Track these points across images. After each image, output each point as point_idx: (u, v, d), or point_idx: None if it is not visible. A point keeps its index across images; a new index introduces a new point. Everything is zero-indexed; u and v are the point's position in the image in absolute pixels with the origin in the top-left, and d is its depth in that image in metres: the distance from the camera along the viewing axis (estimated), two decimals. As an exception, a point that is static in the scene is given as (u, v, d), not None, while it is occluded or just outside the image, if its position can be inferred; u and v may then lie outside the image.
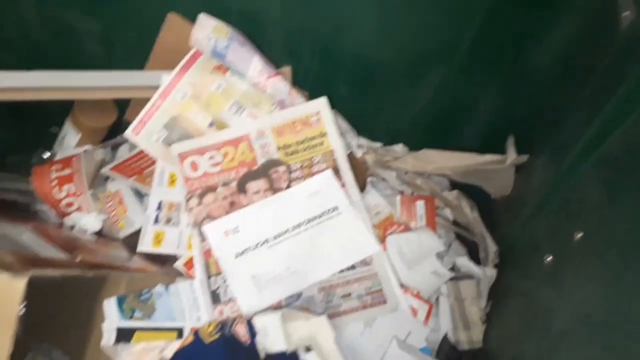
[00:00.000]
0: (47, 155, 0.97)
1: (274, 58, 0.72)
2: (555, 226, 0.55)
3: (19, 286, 0.49)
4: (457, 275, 0.74)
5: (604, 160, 0.47)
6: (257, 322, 0.54)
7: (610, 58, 0.48)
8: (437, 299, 0.73)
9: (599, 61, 0.50)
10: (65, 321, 0.73)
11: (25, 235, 0.59)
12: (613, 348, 0.41)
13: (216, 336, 0.55)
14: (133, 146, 0.86)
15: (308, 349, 0.53)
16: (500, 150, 0.69)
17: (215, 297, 0.66)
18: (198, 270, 0.68)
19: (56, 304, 0.65)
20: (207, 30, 0.67)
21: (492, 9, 0.57)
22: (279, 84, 0.71)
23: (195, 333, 0.57)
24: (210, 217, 0.70)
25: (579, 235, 0.49)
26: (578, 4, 0.53)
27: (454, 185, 0.80)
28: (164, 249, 0.71)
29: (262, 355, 0.53)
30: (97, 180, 0.83)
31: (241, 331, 0.54)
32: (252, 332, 0.54)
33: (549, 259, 0.55)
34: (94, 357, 0.77)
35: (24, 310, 0.51)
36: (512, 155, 0.66)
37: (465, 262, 0.73)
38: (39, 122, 0.94)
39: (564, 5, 0.53)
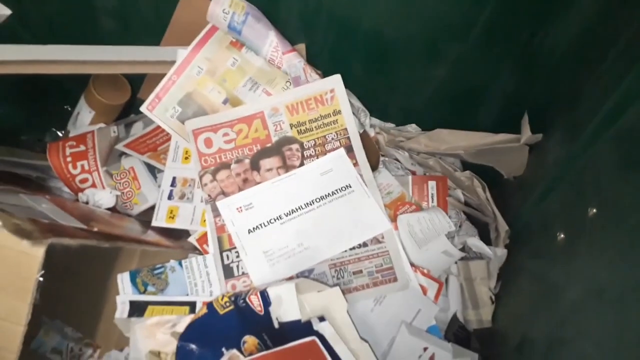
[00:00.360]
0: (60, 133, 0.98)
1: (289, 35, 0.72)
2: (567, 204, 0.55)
3: (38, 253, 0.50)
4: (468, 255, 0.74)
5: (620, 135, 0.47)
6: (271, 292, 0.55)
7: (631, 31, 0.48)
8: (447, 278, 0.73)
9: (617, 36, 0.50)
10: (77, 299, 0.74)
11: (44, 205, 0.59)
12: (625, 323, 0.41)
13: (230, 307, 0.56)
14: (147, 124, 0.87)
15: (322, 319, 0.53)
16: (514, 130, 0.69)
17: (228, 272, 0.67)
18: (211, 245, 0.68)
19: (68, 281, 0.66)
20: (224, 5, 0.68)
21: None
22: (293, 60, 0.71)
23: (209, 305, 0.58)
24: (223, 194, 0.70)
25: (593, 211, 0.49)
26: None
27: (466, 166, 0.80)
28: (177, 224, 0.72)
29: (275, 324, 0.53)
30: (111, 157, 0.84)
31: (255, 301, 0.55)
32: (266, 302, 0.54)
33: (561, 236, 0.55)
34: (106, 334, 0.78)
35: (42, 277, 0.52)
36: (526, 134, 0.66)
37: (476, 242, 0.73)
38: (52, 100, 0.95)
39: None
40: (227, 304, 0.56)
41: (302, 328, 0.52)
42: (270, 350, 0.50)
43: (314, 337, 0.51)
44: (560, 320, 0.51)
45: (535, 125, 0.67)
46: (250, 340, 0.54)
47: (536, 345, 0.55)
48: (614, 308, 0.43)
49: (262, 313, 0.54)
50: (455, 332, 0.71)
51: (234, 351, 0.51)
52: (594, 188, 0.50)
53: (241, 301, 0.55)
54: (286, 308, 0.54)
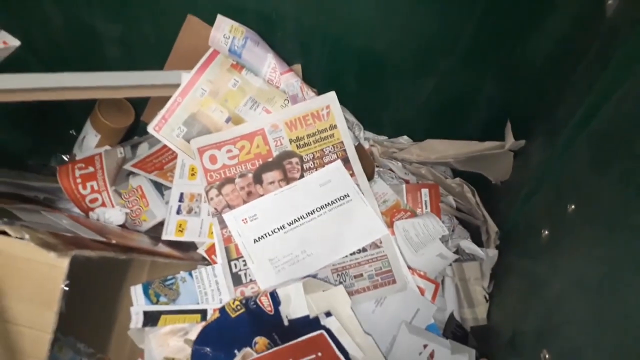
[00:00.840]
0: (65, 158, 1.02)
1: (285, 56, 0.77)
2: (550, 202, 0.60)
3: (63, 264, 0.54)
4: (461, 257, 0.78)
5: (594, 136, 0.52)
6: (281, 292, 0.59)
7: (598, 43, 0.53)
8: (443, 279, 0.77)
9: (588, 47, 0.55)
10: (89, 314, 0.77)
11: (65, 221, 0.63)
12: (603, 309, 0.45)
13: (241, 310, 0.60)
14: (152, 144, 0.91)
15: (328, 314, 0.57)
16: (500, 138, 0.74)
17: (236, 279, 0.70)
18: (219, 255, 0.72)
19: (81, 297, 0.69)
20: (224, 30, 0.73)
21: (487, 3, 0.62)
22: (291, 80, 0.76)
23: (222, 309, 0.61)
24: (229, 206, 0.74)
25: (572, 207, 0.53)
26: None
27: (456, 173, 0.85)
28: (186, 237, 0.76)
29: (285, 321, 0.57)
30: (119, 177, 0.88)
31: (265, 302, 0.59)
32: (276, 302, 0.58)
33: (545, 233, 0.59)
34: (117, 347, 0.81)
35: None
36: (510, 140, 0.71)
37: (468, 245, 0.77)
38: (58, 126, 0.98)
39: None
40: (239, 307, 0.60)
41: (310, 323, 0.56)
42: (281, 345, 0.54)
43: (321, 331, 0.54)
44: (547, 311, 0.55)
45: (519, 132, 0.72)
46: (261, 341, 0.58)
47: (527, 336, 0.59)
48: (594, 296, 0.47)
49: (272, 313, 0.58)
50: (453, 330, 0.74)
51: (247, 349, 0.54)
52: (572, 186, 0.55)
53: (252, 303, 0.59)
54: (295, 305, 0.57)
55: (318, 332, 0.54)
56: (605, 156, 0.49)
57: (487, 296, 0.76)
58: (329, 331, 0.55)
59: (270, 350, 0.54)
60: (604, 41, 0.53)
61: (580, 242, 0.51)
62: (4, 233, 0.54)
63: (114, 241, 0.62)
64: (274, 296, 0.59)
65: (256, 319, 0.58)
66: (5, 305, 0.56)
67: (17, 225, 0.55)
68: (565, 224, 0.55)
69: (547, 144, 0.64)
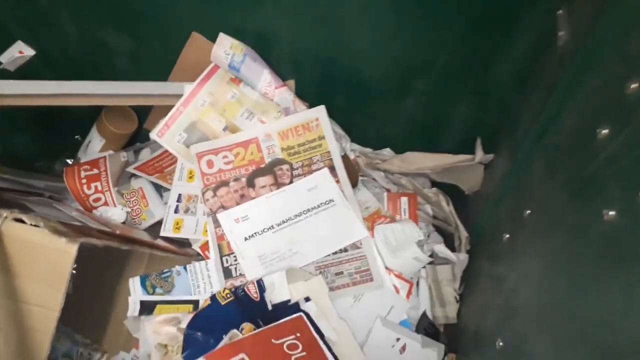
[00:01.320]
0: (70, 161, 1.09)
1: (280, 72, 0.85)
2: (511, 209, 0.67)
3: (72, 250, 0.60)
4: (435, 261, 0.85)
5: (545, 149, 0.59)
6: (266, 280, 0.65)
7: (550, 69, 0.61)
8: (418, 281, 0.84)
9: (542, 72, 0.63)
10: (87, 307, 0.83)
11: (74, 213, 0.70)
12: (545, 300, 0.51)
13: (231, 298, 0.66)
14: (154, 149, 0.98)
15: (307, 299, 0.63)
16: (472, 151, 0.82)
17: (227, 273, 0.77)
18: (212, 251, 0.79)
19: (80, 290, 0.75)
20: (225, 47, 0.80)
21: (459, 34, 0.70)
22: (284, 94, 0.84)
23: (213, 296, 0.68)
24: (223, 207, 0.81)
25: (527, 211, 0.60)
26: (527, 26, 0.65)
27: (435, 184, 0.92)
28: (183, 234, 0.83)
29: (269, 306, 0.64)
30: (122, 179, 0.95)
31: (252, 289, 0.65)
32: (262, 289, 0.65)
33: (507, 236, 0.66)
34: (113, 338, 0.87)
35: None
36: (480, 154, 0.78)
37: (442, 249, 0.84)
38: (64, 131, 1.05)
39: (515, 27, 0.66)
40: (228, 295, 0.66)
41: (291, 308, 0.63)
42: (264, 327, 0.60)
43: (301, 314, 0.61)
44: (503, 304, 0.62)
45: (488, 147, 0.79)
46: (247, 327, 0.64)
47: (486, 329, 0.65)
48: (537, 286, 0.54)
49: (258, 299, 0.64)
50: (426, 328, 0.81)
51: (234, 331, 0.60)
52: (529, 193, 0.62)
53: (240, 291, 0.66)
54: (278, 291, 0.64)
55: (298, 314, 0.61)
56: (553, 167, 0.56)
57: (458, 297, 0.82)
58: (307, 314, 0.61)
59: (255, 332, 0.60)
60: (554, 67, 0.60)
61: (531, 241, 0.58)
62: (21, 221, 0.61)
63: (117, 232, 0.68)
64: (260, 284, 0.65)
65: (244, 306, 0.64)
66: (18, 285, 0.62)
67: (32, 215, 0.62)
68: (522, 228, 0.62)
69: (510, 157, 0.71)
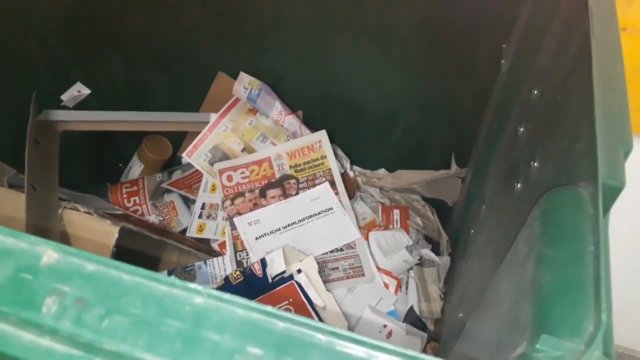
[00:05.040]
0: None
1: (290, 103, 1.02)
2: (476, 208, 0.79)
3: (114, 231, 0.76)
4: (423, 264, 0.97)
5: (496, 161, 0.72)
6: (267, 257, 0.79)
7: (498, 94, 0.75)
8: (407, 281, 0.95)
9: (491, 93, 0.78)
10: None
11: (119, 211, 0.86)
12: (484, 269, 0.63)
13: (240, 279, 0.80)
14: (184, 171, 1.16)
15: (299, 271, 0.77)
16: (450, 167, 0.96)
17: (239, 265, 0.91)
18: (228, 248, 0.93)
19: None
20: (244, 83, 0.98)
21: (428, 74, 0.86)
22: (292, 121, 1.00)
23: (226, 278, 0.82)
24: (239, 213, 0.96)
25: (483, 207, 0.73)
26: (479, 54, 0.80)
27: (425, 200, 1.05)
28: (204, 235, 0.98)
29: (269, 279, 0.77)
30: (157, 194, 1.12)
31: (257, 267, 0.79)
32: (264, 265, 0.78)
33: (471, 232, 0.79)
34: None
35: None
36: (454, 167, 0.92)
37: (428, 253, 0.96)
38: (110, 160, 1.24)
39: (469, 56, 0.81)
40: (239, 276, 0.80)
41: (285, 278, 0.76)
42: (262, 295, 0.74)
43: (293, 282, 0.74)
44: (465, 283, 0.73)
45: (464, 161, 0.93)
46: (253, 303, 0.78)
47: (453, 307, 0.77)
48: (482, 260, 0.66)
49: (261, 275, 0.78)
50: (413, 321, 0.92)
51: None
52: (485, 192, 0.75)
53: (247, 270, 0.79)
54: (277, 265, 0.77)
55: (290, 282, 0.74)
56: (497, 165, 0.70)
57: (442, 295, 0.93)
58: (299, 284, 0.74)
59: (256, 300, 0.73)
60: (498, 94, 0.75)
61: (482, 228, 0.71)
62: (76, 209, 0.78)
63: (151, 221, 0.84)
64: (263, 261, 0.79)
65: (250, 284, 0.78)
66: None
67: (84, 204, 0.79)
68: (479, 221, 0.74)
69: (477, 169, 0.84)
